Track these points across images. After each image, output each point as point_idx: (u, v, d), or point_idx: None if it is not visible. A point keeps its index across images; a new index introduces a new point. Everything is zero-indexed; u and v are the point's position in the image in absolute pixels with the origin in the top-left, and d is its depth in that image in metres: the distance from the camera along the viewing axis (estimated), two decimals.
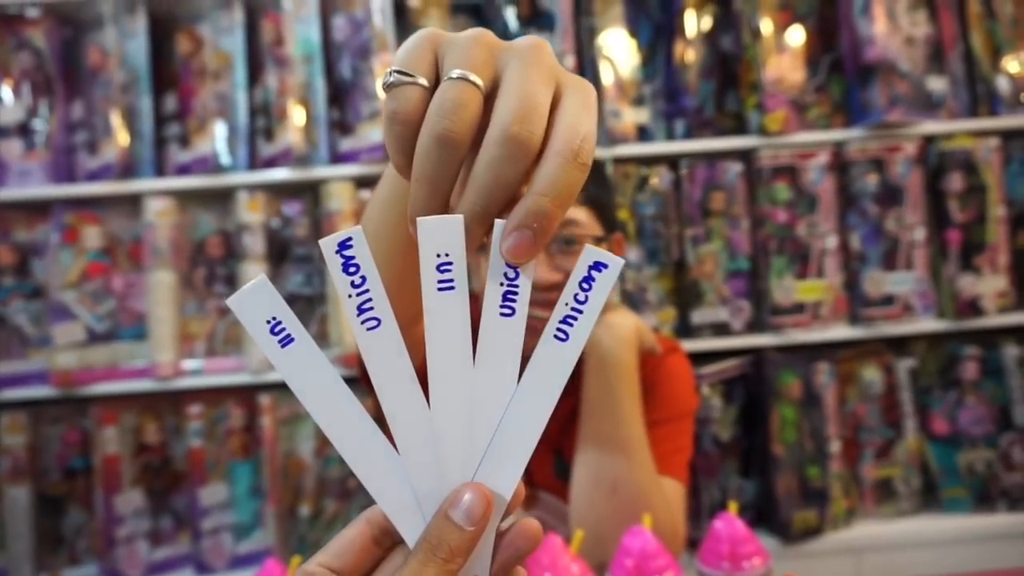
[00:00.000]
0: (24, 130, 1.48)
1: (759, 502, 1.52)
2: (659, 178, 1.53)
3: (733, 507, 0.79)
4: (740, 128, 1.57)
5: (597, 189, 0.97)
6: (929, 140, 1.55)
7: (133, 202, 1.48)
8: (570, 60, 1.53)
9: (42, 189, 1.48)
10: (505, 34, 1.51)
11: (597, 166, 1.04)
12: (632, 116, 1.55)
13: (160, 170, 1.52)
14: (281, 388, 1.49)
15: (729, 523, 0.77)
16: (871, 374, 1.55)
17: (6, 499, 1.43)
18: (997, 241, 1.54)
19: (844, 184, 1.54)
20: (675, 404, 0.99)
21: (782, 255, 1.52)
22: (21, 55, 1.49)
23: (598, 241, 0.95)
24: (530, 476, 1.03)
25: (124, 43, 1.49)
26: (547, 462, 1.02)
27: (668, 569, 0.72)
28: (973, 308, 1.52)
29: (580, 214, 0.94)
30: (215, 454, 1.48)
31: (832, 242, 1.53)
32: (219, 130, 1.48)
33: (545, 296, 0.90)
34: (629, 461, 0.89)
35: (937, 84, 1.56)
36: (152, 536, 1.48)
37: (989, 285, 1.53)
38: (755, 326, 1.54)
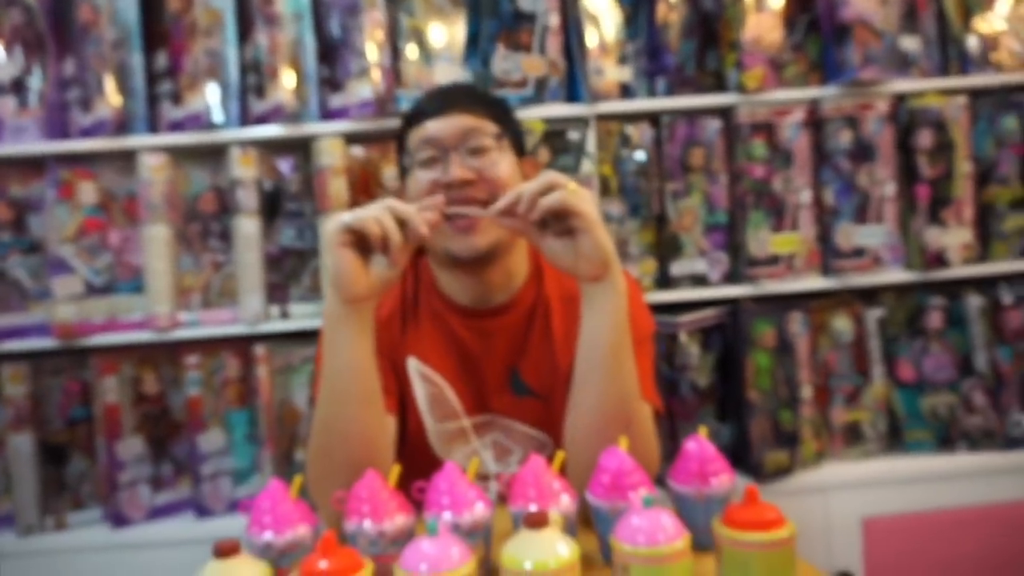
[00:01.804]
0: (18, 87, 1.51)
1: (734, 445, 1.60)
2: (641, 134, 1.58)
3: (703, 430, 0.85)
4: (719, 86, 1.62)
5: (500, 113, 1.05)
6: (900, 98, 1.60)
7: (127, 158, 1.51)
8: (554, 18, 1.56)
9: (37, 145, 1.51)
10: None
11: (503, 101, 1.11)
12: (615, 74, 1.59)
13: (153, 127, 1.54)
14: (275, 339, 1.54)
15: (699, 443, 0.83)
16: (842, 323, 1.63)
17: (10, 447, 1.48)
18: (963, 196, 1.60)
19: (819, 141, 1.60)
20: (635, 330, 1.02)
21: (759, 209, 1.58)
22: (12, 12, 1.50)
23: (500, 139, 1.02)
24: (482, 396, 1.07)
25: (114, 0, 1.50)
26: (502, 378, 1.07)
27: (642, 485, 0.78)
28: (939, 260, 1.59)
29: (486, 122, 1.01)
30: (212, 403, 1.53)
31: (806, 196, 1.59)
32: (211, 87, 1.50)
33: (461, 193, 0.97)
34: (636, 396, 0.93)
35: (910, 43, 1.61)
36: (153, 481, 1.54)
37: (955, 238, 1.60)
38: (732, 277, 1.60)
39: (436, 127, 1.00)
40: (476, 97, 1.06)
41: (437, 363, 1.07)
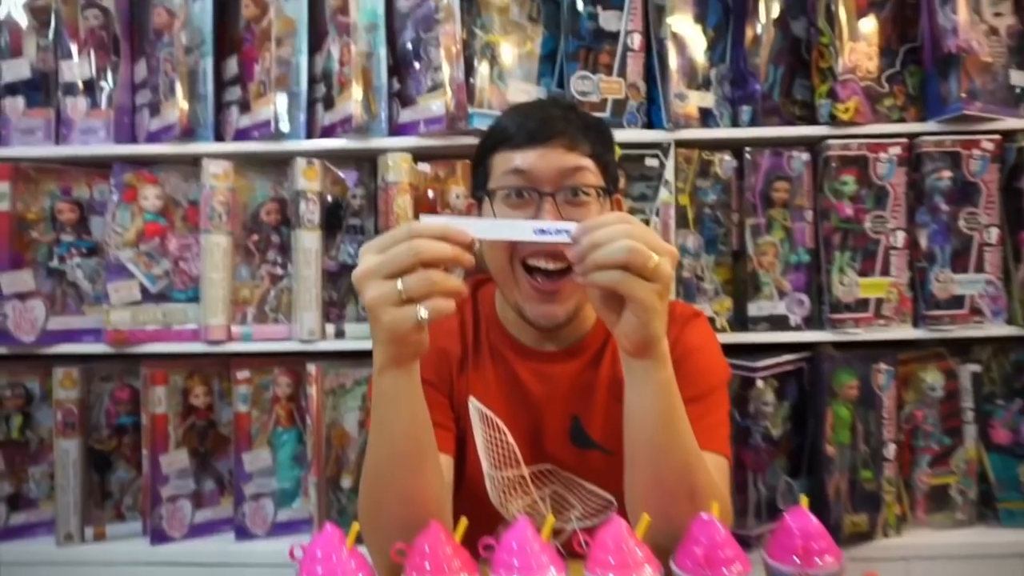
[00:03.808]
0: (90, 88, 1.49)
1: (808, 503, 1.48)
2: (722, 164, 1.49)
3: (804, 501, 0.76)
4: (807, 116, 1.52)
5: (602, 149, 0.95)
6: (1008, 136, 1.48)
7: (191, 164, 1.48)
8: (636, 39, 1.49)
9: (104, 147, 1.49)
10: (574, 9, 1.48)
11: (605, 128, 0.99)
12: (696, 99, 1.51)
13: (219, 134, 1.52)
14: (328, 358, 1.49)
15: (801, 516, 0.74)
16: (932, 378, 1.50)
17: (57, 451, 1.45)
18: None
19: (915, 179, 1.48)
20: (707, 378, 0.94)
21: (845, 250, 1.47)
22: (89, 13, 1.50)
23: (601, 193, 0.92)
24: (541, 444, 0.99)
25: (190, 4, 1.48)
26: (562, 428, 0.99)
27: (736, 560, 0.70)
28: None
29: (588, 164, 0.91)
30: (260, 420, 1.48)
31: (899, 239, 1.47)
32: (279, 96, 1.47)
33: (552, 248, 0.85)
34: (697, 465, 0.83)
35: (1021, 78, 1.49)
36: (195, 497, 1.49)
37: None
38: (813, 321, 1.49)
39: (530, 160, 0.89)
40: (578, 126, 0.92)
41: (497, 406, 0.99)
